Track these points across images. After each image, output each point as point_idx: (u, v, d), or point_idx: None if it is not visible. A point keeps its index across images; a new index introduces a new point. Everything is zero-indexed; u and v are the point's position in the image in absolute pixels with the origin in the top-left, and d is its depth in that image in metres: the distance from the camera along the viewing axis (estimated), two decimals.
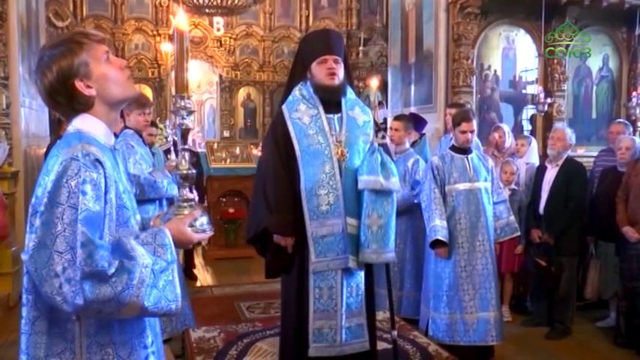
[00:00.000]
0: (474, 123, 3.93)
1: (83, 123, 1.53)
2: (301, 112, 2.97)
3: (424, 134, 5.37)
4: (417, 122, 5.20)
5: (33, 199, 1.43)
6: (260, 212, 2.96)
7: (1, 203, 3.64)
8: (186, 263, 6.29)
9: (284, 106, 3.04)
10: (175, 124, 1.75)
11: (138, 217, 1.65)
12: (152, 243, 1.48)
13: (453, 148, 3.93)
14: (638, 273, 4.19)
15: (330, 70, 2.92)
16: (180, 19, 1.69)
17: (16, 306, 5.13)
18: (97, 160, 1.42)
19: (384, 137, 2.95)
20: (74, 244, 1.34)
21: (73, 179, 1.37)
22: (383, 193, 2.83)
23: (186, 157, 1.77)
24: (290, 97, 3.06)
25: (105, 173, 1.44)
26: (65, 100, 1.50)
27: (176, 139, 5.06)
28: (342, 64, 2.99)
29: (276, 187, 2.91)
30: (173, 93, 1.75)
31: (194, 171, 1.77)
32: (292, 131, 2.93)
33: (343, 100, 3.04)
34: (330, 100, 2.99)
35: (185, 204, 1.70)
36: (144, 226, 1.67)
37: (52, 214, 1.35)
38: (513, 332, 4.40)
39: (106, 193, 1.44)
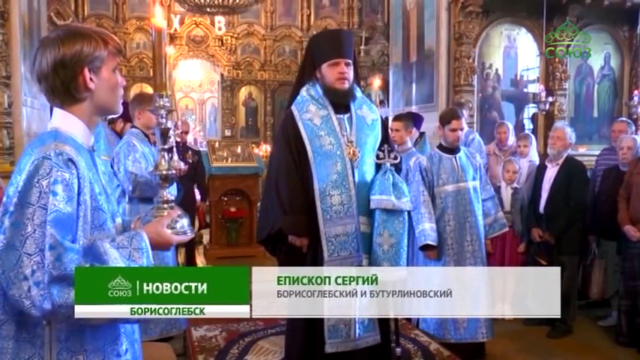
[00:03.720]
0: (464, 120, 3.93)
1: (63, 121, 1.51)
2: (311, 113, 2.97)
3: (424, 133, 5.38)
4: (414, 121, 5.20)
5: (4, 198, 1.40)
6: (273, 213, 2.97)
7: None
8: (187, 262, 6.30)
9: (293, 107, 3.04)
10: (155, 123, 1.73)
11: (118, 219, 1.61)
12: (128, 247, 1.45)
13: (441, 148, 3.92)
14: (639, 272, 4.19)
15: (341, 74, 2.93)
16: (158, 16, 1.68)
17: None
18: (70, 160, 1.40)
19: (395, 157, 2.95)
20: (44, 246, 1.30)
21: (44, 179, 1.34)
22: (394, 212, 2.84)
23: (167, 157, 1.75)
24: (299, 98, 3.06)
25: (78, 173, 1.40)
26: (65, 78, 1.47)
27: (178, 139, 5.06)
28: (352, 66, 3.00)
29: (290, 187, 2.92)
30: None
31: (174, 171, 1.75)
32: (304, 132, 2.94)
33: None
34: (340, 103, 3.01)
35: (165, 205, 1.69)
36: (124, 229, 1.63)
37: (23, 215, 1.32)
38: (515, 330, 4.41)
39: (79, 194, 1.40)
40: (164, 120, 1.71)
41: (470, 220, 3.81)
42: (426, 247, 3.77)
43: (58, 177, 1.36)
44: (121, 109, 1.63)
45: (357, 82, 3.14)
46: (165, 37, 1.71)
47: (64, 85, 1.47)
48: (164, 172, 1.72)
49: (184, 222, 1.65)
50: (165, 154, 1.75)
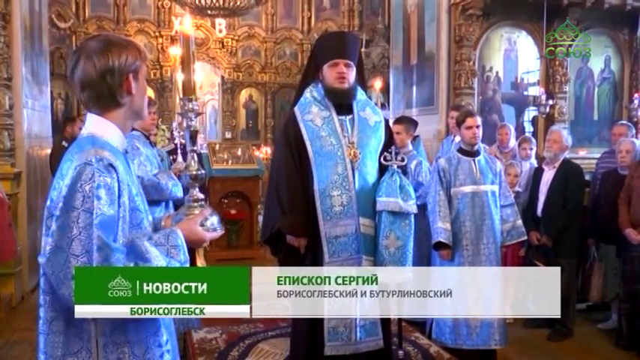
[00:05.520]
0: (478, 118, 3.93)
1: (98, 127, 1.57)
2: (313, 114, 3.00)
3: (418, 136, 5.38)
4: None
5: (48, 202, 1.47)
6: (274, 213, 2.98)
7: (6, 222, 3.67)
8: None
9: (296, 108, 3.06)
10: (185, 126, 1.80)
11: (150, 217, 1.68)
12: (165, 244, 1.52)
13: (461, 151, 3.93)
14: (639, 275, 4.19)
15: (339, 74, 2.94)
16: (186, 24, 1.77)
17: (19, 306, 5.13)
18: (111, 165, 1.47)
19: (403, 160, 2.96)
20: (90, 247, 1.38)
21: (87, 184, 1.41)
22: (401, 215, 2.84)
23: (196, 159, 1.82)
24: (302, 99, 3.09)
25: (118, 177, 1.48)
26: (112, 84, 1.54)
27: (183, 141, 5.09)
28: (354, 68, 3.01)
29: (289, 188, 2.94)
30: (181, 95, 1.82)
31: (203, 172, 1.82)
32: (305, 133, 2.96)
33: (354, 102, 3.06)
34: (340, 103, 3.02)
35: (195, 204, 1.75)
36: (155, 227, 1.71)
37: (68, 218, 1.39)
38: (515, 333, 4.39)
39: (119, 196, 1.48)
40: (193, 122, 1.78)
41: (487, 223, 3.81)
42: (439, 246, 3.78)
43: (101, 182, 1.43)
44: (147, 114, 1.72)
45: (362, 85, 3.16)
46: (193, 45, 1.78)
47: (110, 91, 1.55)
48: (194, 173, 1.79)
49: (214, 219, 1.71)
50: (195, 155, 1.83)
